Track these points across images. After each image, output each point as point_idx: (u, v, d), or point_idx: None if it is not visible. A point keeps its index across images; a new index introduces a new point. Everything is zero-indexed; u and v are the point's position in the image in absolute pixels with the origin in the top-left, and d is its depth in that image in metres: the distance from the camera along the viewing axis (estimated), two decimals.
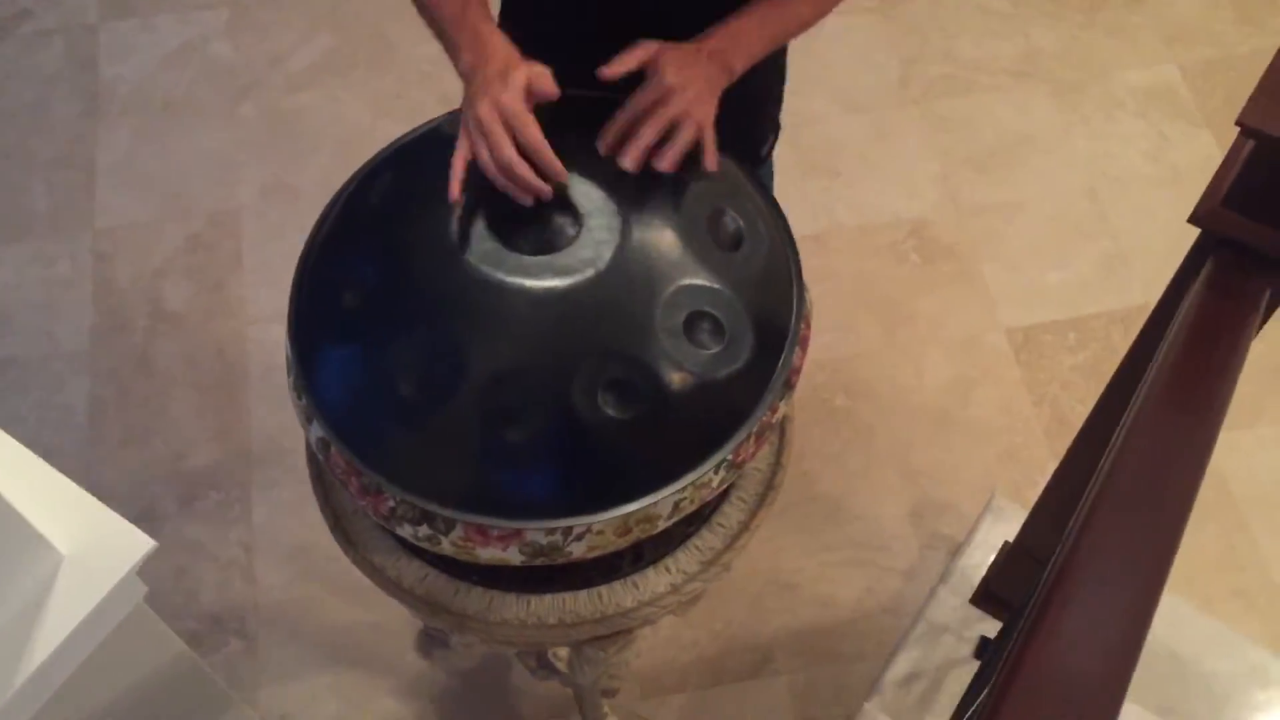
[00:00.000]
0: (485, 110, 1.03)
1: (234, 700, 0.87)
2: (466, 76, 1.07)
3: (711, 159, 1.10)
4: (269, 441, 2.17)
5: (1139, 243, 2.33)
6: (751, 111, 1.40)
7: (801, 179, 2.36)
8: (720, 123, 1.10)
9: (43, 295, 2.34)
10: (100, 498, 2.09)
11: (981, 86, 2.53)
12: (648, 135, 1.06)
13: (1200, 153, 2.43)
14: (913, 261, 2.34)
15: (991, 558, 1.86)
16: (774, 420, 1.12)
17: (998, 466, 2.12)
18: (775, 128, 1.50)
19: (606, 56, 1.09)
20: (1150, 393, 0.83)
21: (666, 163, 1.06)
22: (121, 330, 2.30)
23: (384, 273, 1.08)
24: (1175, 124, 2.48)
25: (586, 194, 1.07)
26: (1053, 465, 2.11)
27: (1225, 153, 1.03)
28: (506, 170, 1.03)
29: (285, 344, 1.14)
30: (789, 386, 1.12)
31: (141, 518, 2.08)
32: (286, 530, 2.09)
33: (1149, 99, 2.51)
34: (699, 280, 1.06)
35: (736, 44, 1.12)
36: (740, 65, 1.12)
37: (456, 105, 1.12)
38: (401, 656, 1.97)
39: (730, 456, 1.07)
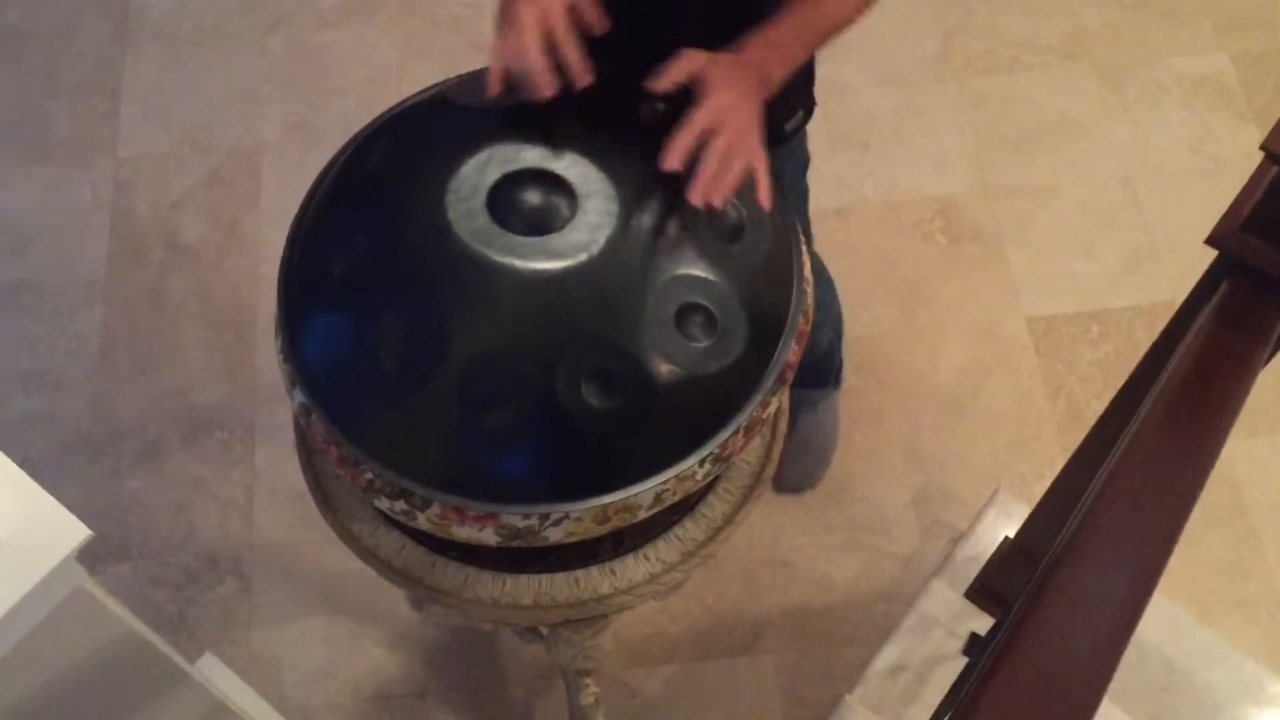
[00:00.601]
0: (525, 7, 1.01)
1: (186, 675, 0.87)
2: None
3: (765, 195, 1.06)
4: (276, 384, 2.15)
5: (1171, 237, 2.27)
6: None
7: (829, 151, 2.31)
8: None
9: (62, 221, 2.34)
10: (106, 428, 2.11)
11: (1024, 65, 2.46)
12: (711, 167, 1.02)
13: (1243, 148, 2.35)
14: (938, 242, 2.29)
15: (990, 552, 1.83)
16: (765, 415, 1.09)
17: (1006, 457, 2.09)
18: (806, 103, 1.45)
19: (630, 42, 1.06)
20: (1150, 416, 0.80)
21: (720, 199, 1.03)
22: (137, 261, 2.29)
23: (374, 242, 1.06)
24: (1220, 116, 2.40)
25: (584, 175, 1.04)
26: (1062, 461, 2.08)
27: None
28: (520, 58, 1.01)
29: (275, 306, 1.13)
30: (782, 381, 1.10)
31: (145, 452, 2.10)
32: (288, 474, 2.09)
33: (1196, 88, 2.43)
34: (694, 271, 1.03)
35: (776, 54, 1.09)
36: (779, 75, 1.09)
37: (486, 52, 1.09)
38: (393, 608, 1.97)
39: (717, 450, 1.05)
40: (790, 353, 1.09)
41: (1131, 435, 0.76)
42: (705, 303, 1.03)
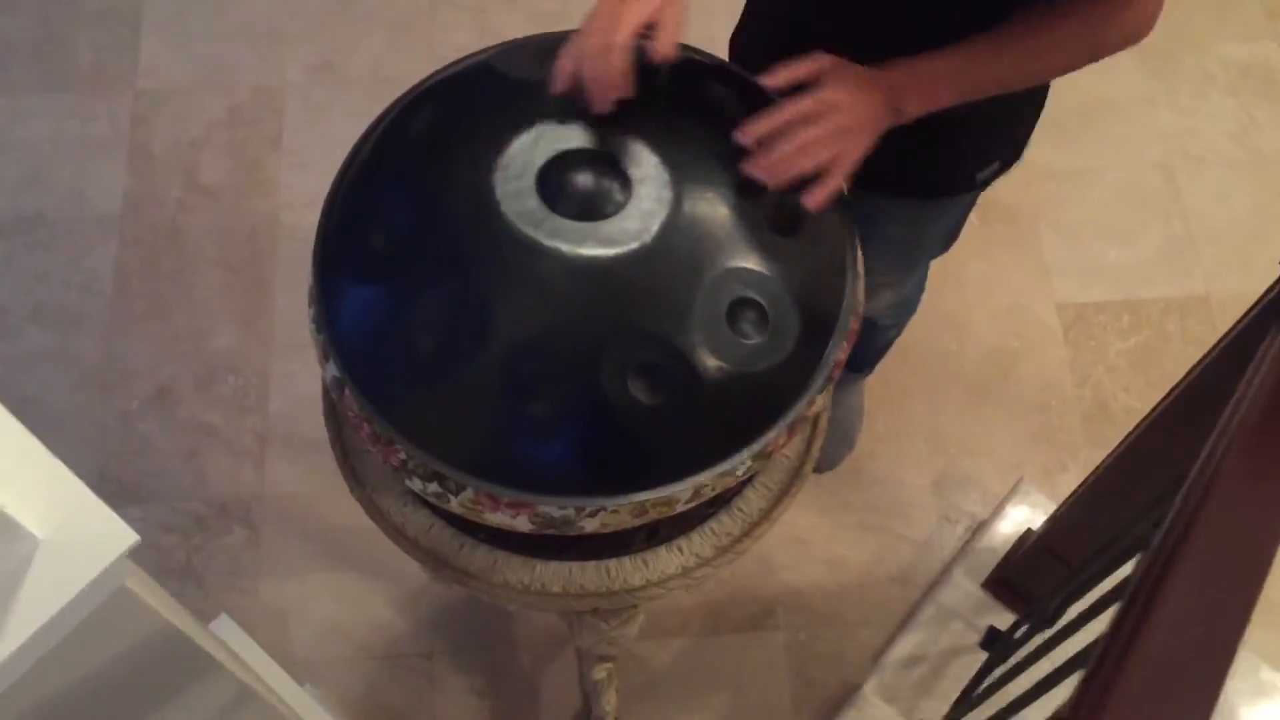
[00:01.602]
0: (609, 5, 0.96)
1: (218, 663, 0.85)
2: None
3: (820, 197, 0.99)
4: (291, 331, 2.14)
5: (1209, 228, 2.23)
6: (978, 124, 1.21)
7: None
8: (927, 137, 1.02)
9: (78, 153, 2.29)
10: (117, 368, 2.08)
11: None
12: (788, 147, 0.97)
13: None
14: (970, 220, 2.24)
15: (1009, 544, 1.81)
16: (810, 414, 1.06)
17: (1030, 446, 2.06)
18: (1006, 155, 1.31)
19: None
20: (1228, 456, 0.76)
21: (814, 202, 0.98)
22: (154, 199, 2.25)
23: (417, 217, 1.02)
24: (1266, 106, 2.35)
25: (638, 158, 1.00)
26: (1086, 452, 2.07)
27: None
28: (571, 60, 0.97)
29: (309, 273, 1.09)
30: (830, 380, 1.06)
31: (157, 395, 2.07)
32: (301, 424, 2.07)
33: (1243, 76, 2.38)
34: (748, 264, 1.00)
35: (919, 84, 1.01)
36: (915, 109, 1.01)
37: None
38: (402, 567, 1.95)
39: (760, 448, 1.02)
40: (840, 351, 1.06)
41: (1210, 475, 0.73)
42: (758, 298, 1.00)
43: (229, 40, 2.40)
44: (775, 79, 0.98)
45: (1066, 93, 2.35)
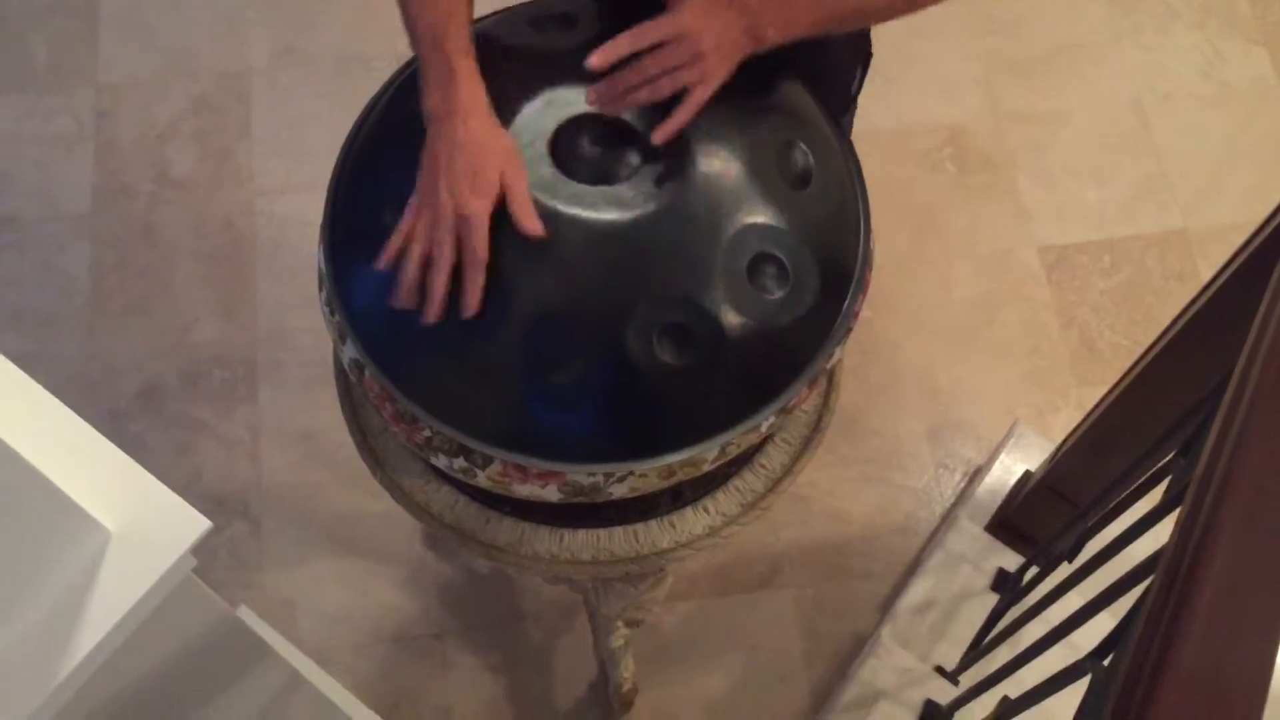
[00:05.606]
0: (445, 202, 0.93)
1: (270, 649, 0.84)
2: (432, 120, 0.96)
3: (670, 127, 0.96)
4: (276, 320, 2.11)
5: (1182, 163, 2.25)
6: (837, 43, 1.19)
7: None
8: (799, 59, 1.01)
9: (42, 152, 2.25)
10: (101, 368, 2.05)
11: None
12: (633, 77, 0.94)
13: (1254, 71, 2.33)
14: (948, 170, 2.25)
15: (1009, 487, 1.83)
16: (829, 366, 1.07)
17: (1021, 389, 2.08)
18: (865, 57, 1.30)
19: None
20: (1261, 382, 0.76)
21: (661, 135, 0.96)
22: (124, 194, 2.21)
23: None
24: (1231, 40, 2.37)
25: (647, 118, 1.00)
26: (1076, 391, 2.09)
27: None
28: (429, 269, 0.94)
29: (318, 255, 1.08)
30: (848, 331, 1.07)
31: (144, 392, 2.04)
32: (293, 413, 2.05)
33: (1206, 11, 2.40)
34: (765, 219, 1.00)
35: (777, 11, 0.97)
36: (774, 36, 0.97)
37: None
38: (407, 547, 1.95)
39: (784, 404, 1.02)
40: (858, 303, 1.06)
41: (1246, 407, 0.73)
42: (777, 253, 1.00)
43: (189, 28, 2.36)
44: None
45: (1036, 37, 2.37)
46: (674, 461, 1.00)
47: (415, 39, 0.98)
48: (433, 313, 0.94)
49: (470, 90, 0.96)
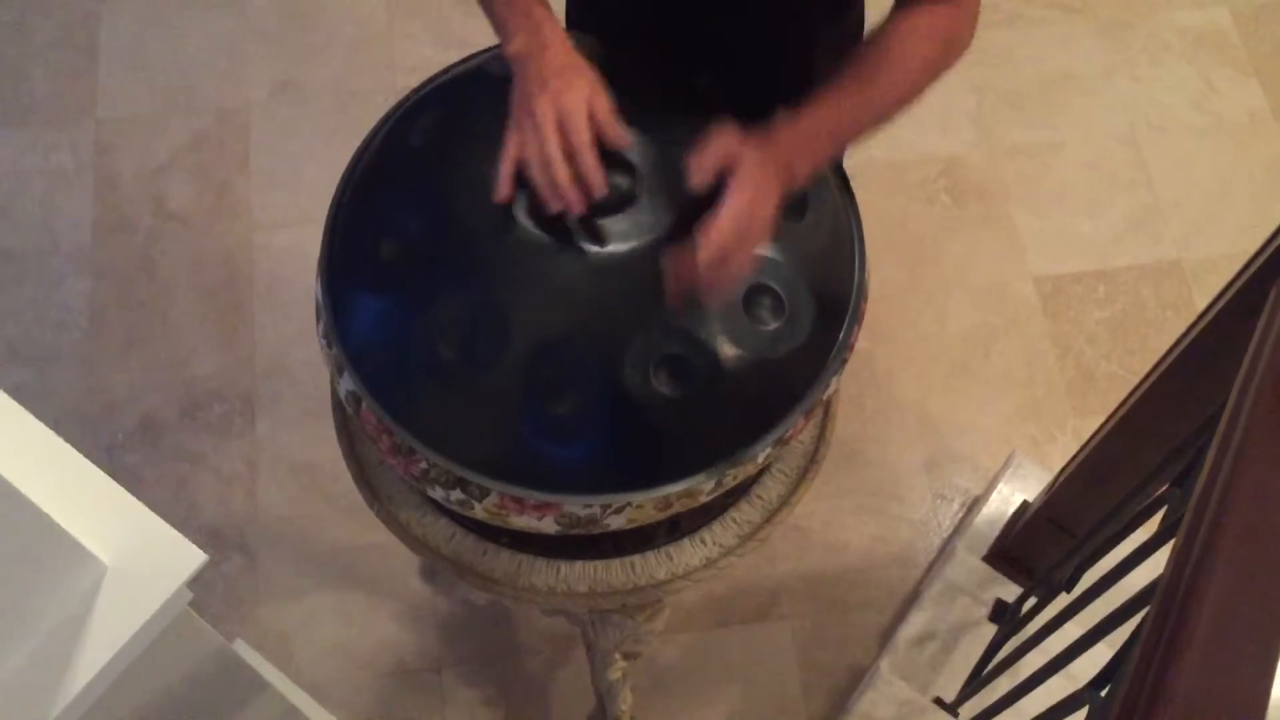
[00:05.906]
0: (543, 106, 0.95)
1: (267, 684, 0.84)
2: (519, 60, 0.98)
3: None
4: (274, 353, 2.12)
5: (1176, 194, 2.26)
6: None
7: None
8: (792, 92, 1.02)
9: (42, 186, 2.26)
10: (99, 402, 2.05)
11: (1027, 20, 2.44)
12: (735, 270, 0.95)
13: (1246, 103, 2.34)
14: (943, 202, 2.27)
15: (1007, 517, 1.83)
16: (825, 397, 1.07)
17: (1017, 419, 2.08)
18: None
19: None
20: (1254, 412, 0.77)
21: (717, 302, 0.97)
22: (124, 228, 2.22)
23: (427, 223, 1.02)
24: (1223, 71, 2.39)
25: (643, 151, 1.01)
26: (1073, 422, 2.09)
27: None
28: (545, 168, 0.94)
29: (316, 287, 1.08)
30: (844, 363, 1.07)
31: (141, 426, 2.04)
32: (290, 446, 2.05)
33: (1198, 43, 2.42)
34: (761, 251, 1.00)
35: (805, 143, 0.99)
36: (803, 171, 1.00)
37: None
38: (404, 580, 1.94)
39: (781, 434, 1.03)
40: (854, 334, 1.06)
41: (1240, 434, 0.74)
42: (773, 284, 1.00)
43: (188, 64, 2.38)
44: (695, 175, 0.94)
45: (1029, 70, 2.39)
46: (671, 493, 1.00)
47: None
48: (572, 203, 0.95)
49: (553, 29, 0.99)
